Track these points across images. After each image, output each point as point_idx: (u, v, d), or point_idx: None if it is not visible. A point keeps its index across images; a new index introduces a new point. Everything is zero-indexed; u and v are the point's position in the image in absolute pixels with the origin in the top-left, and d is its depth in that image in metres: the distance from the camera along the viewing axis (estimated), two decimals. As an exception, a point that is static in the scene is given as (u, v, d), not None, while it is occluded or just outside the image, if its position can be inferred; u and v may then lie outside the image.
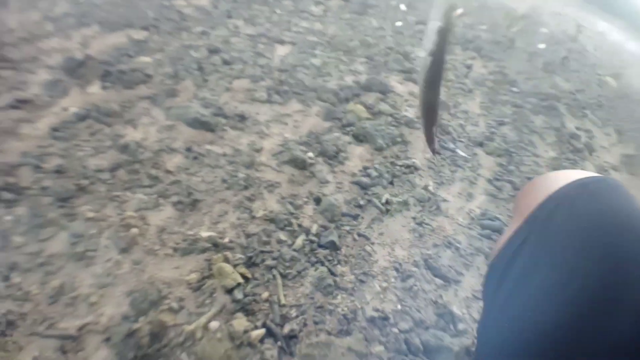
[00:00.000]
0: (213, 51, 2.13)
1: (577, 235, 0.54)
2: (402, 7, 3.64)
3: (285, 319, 1.09)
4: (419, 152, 1.86)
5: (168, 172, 1.40)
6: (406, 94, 2.25)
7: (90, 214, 1.20)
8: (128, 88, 1.76)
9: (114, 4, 2.39)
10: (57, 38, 1.94)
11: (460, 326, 1.21)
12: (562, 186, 0.61)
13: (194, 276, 1.11)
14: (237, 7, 2.76)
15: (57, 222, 1.15)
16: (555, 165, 2.08)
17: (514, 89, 2.81)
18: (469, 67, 2.94)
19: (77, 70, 1.77)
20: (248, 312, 1.07)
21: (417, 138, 1.92)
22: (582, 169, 2.09)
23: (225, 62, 2.09)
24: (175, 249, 1.16)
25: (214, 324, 1.01)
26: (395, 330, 1.15)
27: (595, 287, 0.50)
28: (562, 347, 0.50)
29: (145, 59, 1.97)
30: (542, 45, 3.91)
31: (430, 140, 0.77)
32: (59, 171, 1.29)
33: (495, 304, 0.61)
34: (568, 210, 0.57)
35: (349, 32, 2.87)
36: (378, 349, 1.11)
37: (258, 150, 1.59)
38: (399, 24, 3.27)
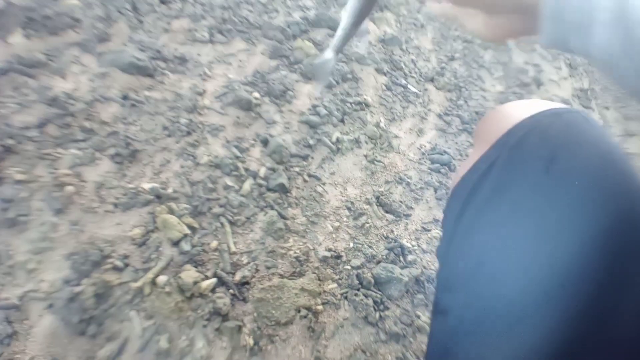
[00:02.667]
0: (147, -12, 1.95)
1: (554, 163, 0.50)
2: None
3: (236, 266, 1.08)
4: (370, 88, 1.82)
5: (103, 123, 1.31)
6: (356, 29, 2.17)
7: (20, 176, 1.12)
8: (54, 34, 1.60)
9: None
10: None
11: (410, 258, 1.24)
12: (533, 114, 0.57)
13: (137, 231, 1.07)
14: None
15: (-18, 186, 1.07)
16: (502, 99, 2.09)
17: (466, 21, 2.76)
18: (421, 1, 2.84)
19: (-3, 19, 1.59)
20: (197, 263, 1.05)
21: (368, 74, 1.87)
22: (530, 98, 2.13)
23: (163, 1, 1.92)
24: (115, 205, 1.11)
25: (162, 278, 0.99)
26: (347, 267, 1.18)
27: (580, 218, 0.46)
28: (534, 270, 0.48)
29: (73, 1, 1.78)
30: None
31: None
32: (-20, 131, 1.18)
33: (459, 229, 0.58)
34: (541, 136, 0.53)
35: (294, -38, 2.69)
36: (331, 286, 1.13)
37: (200, 94, 1.51)
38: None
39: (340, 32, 0.72)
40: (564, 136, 0.52)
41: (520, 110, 0.59)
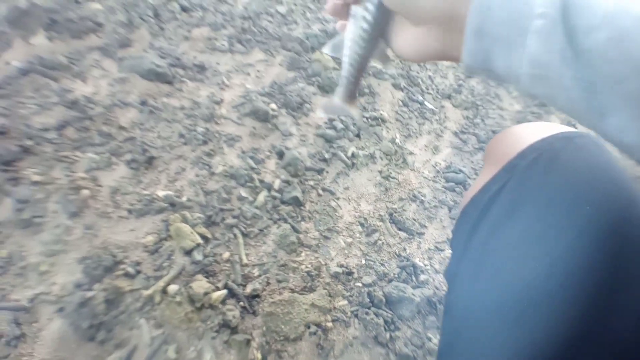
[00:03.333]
0: (169, -4, 1.98)
1: (565, 187, 0.50)
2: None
3: (247, 278, 1.07)
4: (386, 103, 1.81)
5: (121, 128, 1.32)
6: (374, 43, 2.17)
7: (37, 177, 1.12)
8: (76, 38, 1.62)
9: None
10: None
11: (422, 277, 1.23)
12: (544, 137, 0.56)
13: (150, 238, 1.07)
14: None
15: (0, 187, 1.07)
16: (520, 119, 2.08)
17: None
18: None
19: (20, 20, 1.61)
20: (208, 274, 1.05)
21: (385, 89, 1.87)
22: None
23: (184, 9, 1.95)
24: (130, 211, 1.11)
25: (173, 287, 0.98)
26: (359, 284, 1.16)
27: (589, 244, 0.46)
28: (542, 295, 0.48)
29: (96, 5, 1.81)
30: None
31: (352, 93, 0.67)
32: (0, 132, 1.19)
33: (468, 250, 0.58)
34: (552, 162, 0.53)
35: (315, -25, 2.72)
36: (341, 303, 1.11)
37: (218, 103, 1.51)
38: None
39: (343, 81, 0.61)
40: (574, 161, 0.52)
41: (531, 132, 0.59)
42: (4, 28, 1.56)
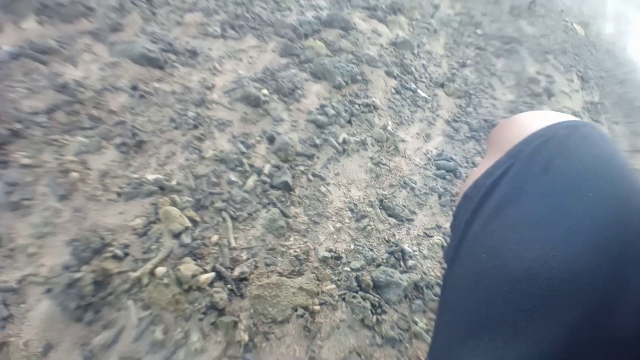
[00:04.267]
0: (162, -19, 1.96)
1: (569, 174, 0.51)
2: None
3: (235, 261, 1.08)
4: (379, 91, 1.81)
5: (111, 112, 1.32)
6: (369, 32, 2.16)
7: (26, 161, 1.12)
8: (67, 22, 1.61)
9: None
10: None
11: (410, 263, 1.23)
12: (549, 124, 0.57)
13: (139, 221, 1.07)
14: None
15: (-12, 168, 1.08)
16: (512, 108, 2.08)
17: (478, 31, 2.75)
18: (436, 6, 2.83)
19: (11, 4, 1.60)
20: (196, 257, 1.05)
21: (378, 77, 1.87)
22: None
23: (176, -6, 1.94)
24: (119, 194, 1.12)
25: (161, 270, 0.99)
26: (347, 269, 1.17)
27: (592, 230, 0.47)
28: (539, 279, 0.47)
29: (86, -12, 1.80)
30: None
31: None
32: (-11, 114, 1.19)
33: (468, 232, 0.59)
34: (558, 148, 0.54)
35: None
36: (329, 287, 1.12)
37: (209, 88, 1.51)
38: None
39: None
40: (579, 148, 0.53)
41: (537, 120, 0.60)
42: (-5, 12, 1.55)
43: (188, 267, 1.01)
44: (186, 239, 1.06)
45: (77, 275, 0.94)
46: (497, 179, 0.56)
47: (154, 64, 1.53)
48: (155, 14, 1.79)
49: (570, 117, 0.58)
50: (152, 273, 0.99)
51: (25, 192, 1.06)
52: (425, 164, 1.60)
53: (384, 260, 1.22)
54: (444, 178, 1.55)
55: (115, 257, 1.00)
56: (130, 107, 1.35)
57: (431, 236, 1.34)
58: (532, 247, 0.49)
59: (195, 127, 1.35)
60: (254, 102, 1.48)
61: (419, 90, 1.92)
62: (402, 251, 1.25)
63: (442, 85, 2.06)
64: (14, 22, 1.54)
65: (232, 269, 1.06)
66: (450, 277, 0.62)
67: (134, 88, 1.42)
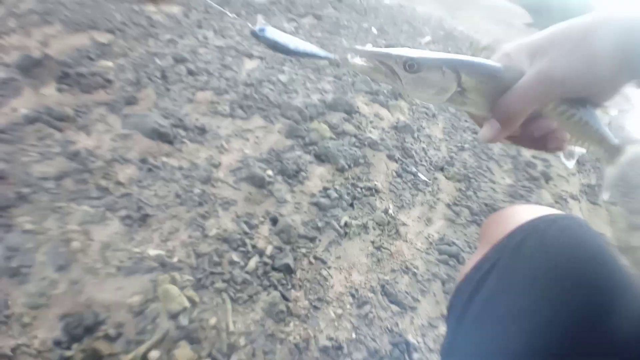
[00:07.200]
0: (179, 60, 2.07)
1: (548, 265, 0.56)
2: (374, 30, 3.68)
3: (233, 348, 1.03)
4: (381, 174, 1.85)
5: (119, 183, 1.33)
6: (371, 116, 2.25)
7: (29, 226, 1.12)
8: (85, 92, 1.68)
9: (81, 4, 2.30)
10: (17, 35, 1.85)
11: (415, 356, 1.19)
12: (531, 219, 0.63)
13: (136, 299, 1.04)
14: (208, 18, 2.70)
15: (-9, 233, 1.06)
16: (512, 192, 2.12)
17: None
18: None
19: (32, 69, 1.67)
20: (193, 340, 1.01)
21: (380, 160, 1.92)
22: (538, 196, 2.15)
23: (191, 73, 2.04)
24: (118, 268, 1.09)
25: (154, 354, 0.94)
26: (348, 360, 1.12)
27: (566, 314, 0.51)
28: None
29: (107, 63, 1.89)
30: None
31: None
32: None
33: (461, 327, 0.61)
34: (538, 242, 0.59)
35: (318, 49, 2.86)
36: (329, 379, 1.07)
37: (216, 166, 1.54)
38: (369, 46, 3.28)
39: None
40: (557, 240, 0.58)
41: (521, 214, 0.66)
42: (16, 75, 1.61)
43: (183, 352, 0.96)
44: (183, 320, 1.02)
45: (68, 353, 0.89)
46: (485, 273, 0.61)
47: (164, 139, 1.57)
48: (169, 90, 1.87)
49: (552, 211, 0.65)
50: (144, 357, 0.94)
51: (25, 258, 1.04)
52: (427, 249, 1.59)
53: (388, 353, 1.17)
54: (447, 264, 1.54)
55: (108, 338, 0.95)
56: (138, 179, 1.36)
57: (436, 326, 1.30)
58: (515, 340, 0.52)
59: (200, 204, 1.35)
60: (259, 183, 1.50)
61: (419, 174, 1.96)
62: (407, 343, 1.20)
63: (442, 169, 2.10)
64: (33, 87, 1.60)
65: (229, 355, 1.01)
66: None
67: (143, 161, 1.44)
